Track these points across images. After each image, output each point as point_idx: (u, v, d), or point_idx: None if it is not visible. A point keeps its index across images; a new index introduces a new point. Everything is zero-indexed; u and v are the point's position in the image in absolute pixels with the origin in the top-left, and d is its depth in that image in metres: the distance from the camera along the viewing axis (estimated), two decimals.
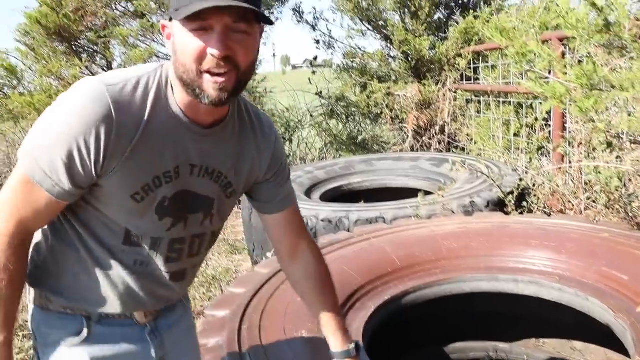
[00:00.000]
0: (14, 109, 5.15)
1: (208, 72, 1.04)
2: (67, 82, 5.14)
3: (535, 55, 1.73)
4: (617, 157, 2.51)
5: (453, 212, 2.95)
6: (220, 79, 1.05)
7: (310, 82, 6.28)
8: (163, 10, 5.83)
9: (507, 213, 2.89)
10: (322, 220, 3.02)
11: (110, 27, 5.94)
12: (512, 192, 2.93)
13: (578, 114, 1.63)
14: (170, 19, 1.10)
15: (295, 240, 1.41)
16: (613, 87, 1.44)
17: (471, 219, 2.56)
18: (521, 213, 2.89)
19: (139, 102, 1.10)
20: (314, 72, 6.20)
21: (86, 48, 6.26)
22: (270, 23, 1.13)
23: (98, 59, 6.48)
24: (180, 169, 1.16)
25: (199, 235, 1.27)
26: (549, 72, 2.38)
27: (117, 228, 1.18)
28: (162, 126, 1.12)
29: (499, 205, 3.04)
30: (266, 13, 6.03)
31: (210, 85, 1.05)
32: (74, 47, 6.04)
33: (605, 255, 2.05)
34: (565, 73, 1.88)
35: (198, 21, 1.03)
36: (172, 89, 1.14)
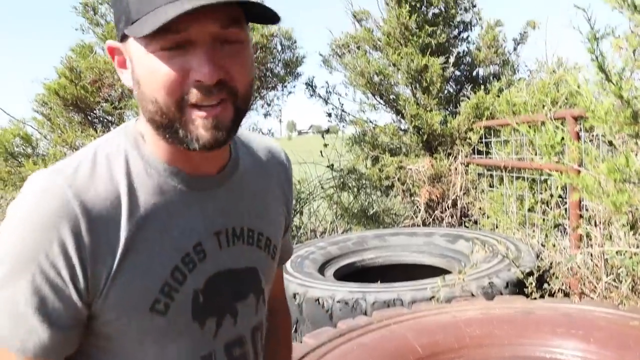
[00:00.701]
0: (26, 178, 5.17)
1: (194, 105, 0.77)
2: None
3: (561, 143, 1.74)
4: None
5: (472, 293, 2.88)
6: (213, 112, 0.78)
7: (322, 155, 6.33)
8: None
9: (527, 294, 2.83)
10: (338, 302, 2.96)
11: (126, 99, 6.08)
12: (531, 273, 2.88)
13: (612, 209, 1.61)
14: (123, 38, 0.80)
15: (274, 295, 1.16)
16: None
17: (493, 303, 2.50)
18: (542, 295, 2.83)
19: (105, 178, 0.80)
20: (325, 145, 6.26)
21: (101, 119, 6.38)
22: (278, 20, 0.82)
23: (112, 129, 6.60)
24: (204, 245, 0.86)
25: (259, 327, 0.97)
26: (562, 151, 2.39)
27: None
28: (153, 197, 0.82)
29: (518, 286, 2.98)
30: (279, 88, 6.18)
31: (200, 124, 0.78)
32: (89, 117, 6.16)
33: (638, 346, 1.97)
34: (580, 154, 1.89)
35: (170, 35, 0.74)
36: (151, 142, 0.86)
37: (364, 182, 6.21)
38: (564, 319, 2.23)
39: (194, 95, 0.77)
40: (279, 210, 1.04)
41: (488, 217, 5.00)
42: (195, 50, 0.75)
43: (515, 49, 6.19)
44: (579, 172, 1.96)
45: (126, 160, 0.83)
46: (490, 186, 5.13)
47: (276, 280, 1.12)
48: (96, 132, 5.82)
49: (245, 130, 1.07)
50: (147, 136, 0.86)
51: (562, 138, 1.71)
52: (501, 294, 2.93)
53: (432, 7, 5.60)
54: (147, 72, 0.77)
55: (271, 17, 0.81)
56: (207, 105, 0.77)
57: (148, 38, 0.74)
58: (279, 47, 5.81)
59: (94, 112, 6.11)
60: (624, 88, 1.39)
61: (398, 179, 5.77)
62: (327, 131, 6.35)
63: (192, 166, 0.86)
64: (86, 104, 5.69)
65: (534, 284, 2.75)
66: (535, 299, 2.75)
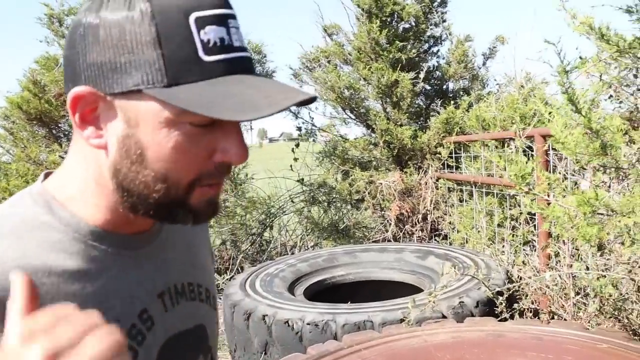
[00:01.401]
0: None
1: (201, 184, 0.71)
2: (44, 167, 5.09)
3: (532, 174, 1.73)
4: (608, 259, 2.49)
5: (443, 314, 2.86)
6: (218, 189, 0.74)
7: (292, 169, 6.29)
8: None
9: (497, 314, 2.82)
10: (308, 324, 2.91)
11: None
12: (501, 293, 2.87)
13: (582, 241, 1.61)
14: (127, 92, 0.66)
15: None
16: (613, 211, 1.43)
17: (464, 326, 2.48)
18: (512, 315, 2.82)
19: (15, 256, 0.67)
20: (295, 159, 6.22)
21: (66, 133, 6.24)
22: (312, 102, 0.75)
23: None
24: (150, 311, 0.78)
25: None
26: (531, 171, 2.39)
27: None
28: (82, 267, 0.72)
29: (488, 305, 2.97)
30: None
31: (204, 200, 0.72)
32: (54, 131, 6.02)
33: None
34: (548, 178, 1.88)
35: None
36: (74, 203, 0.74)
37: (334, 196, 6.18)
38: (534, 342, 2.22)
39: (212, 175, 0.71)
40: (208, 256, 0.98)
41: (458, 232, 5.02)
42: (225, 131, 0.69)
43: (484, 64, 6.25)
44: (548, 202, 1.97)
45: (38, 227, 0.71)
46: (460, 201, 5.15)
47: None
48: (61, 146, 5.69)
49: None
50: (71, 199, 0.75)
51: (533, 169, 1.71)
52: (472, 313, 2.92)
53: (403, 22, 5.62)
54: (167, 147, 0.67)
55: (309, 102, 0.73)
56: (212, 183, 0.72)
57: (181, 110, 0.64)
58: None
59: (59, 126, 5.96)
60: (593, 119, 1.38)
61: (369, 193, 5.76)
62: (297, 145, 6.31)
63: (126, 226, 0.77)
64: (50, 118, 5.55)
65: (503, 304, 2.74)
66: (505, 319, 2.75)
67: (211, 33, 0.65)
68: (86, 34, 0.67)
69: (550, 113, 1.60)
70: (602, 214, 1.47)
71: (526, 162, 1.94)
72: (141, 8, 0.65)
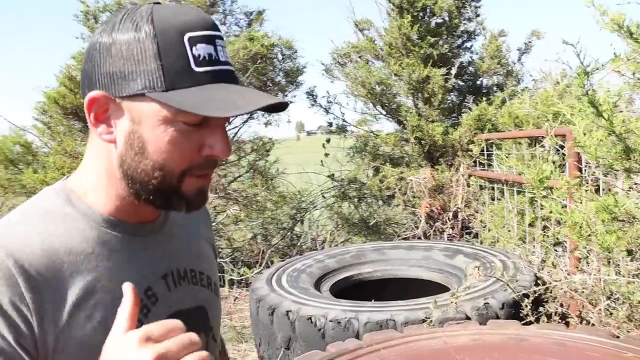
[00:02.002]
0: (27, 185, 5.20)
1: (192, 174, 0.84)
2: (79, 160, 5.18)
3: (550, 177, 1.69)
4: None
5: (467, 315, 2.83)
6: (206, 180, 0.87)
7: (323, 164, 6.29)
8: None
9: (522, 317, 2.77)
10: (331, 321, 2.92)
11: None
12: (527, 296, 2.82)
13: (599, 250, 1.57)
14: (133, 95, 0.80)
15: None
16: (635, 217, 1.38)
17: (486, 328, 2.45)
18: (538, 319, 2.77)
19: (41, 237, 0.80)
20: (326, 155, 6.23)
21: None
22: (284, 109, 0.92)
23: None
24: (154, 289, 0.90)
25: None
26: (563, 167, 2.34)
27: None
28: (96, 249, 0.85)
29: (514, 307, 2.92)
30: (280, 97, 6.14)
31: (194, 190, 0.85)
32: (88, 126, 6.13)
33: None
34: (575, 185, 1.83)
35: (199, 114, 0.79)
36: (89, 196, 0.88)
37: (364, 192, 6.17)
38: (557, 347, 2.17)
39: (201, 166, 0.84)
40: (209, 250, 1.10)
41: (489, 231, 4.95)
42: (211, 129, 0.83)
43: (519, 59, 6.13)
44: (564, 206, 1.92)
45: (61, 216, 0.85)
46: (492, 199, 5.07)
47: None
48: None
49: None
50: (87, 191, 0.89)
51: (552, 172, 1.67)
52: (497, 315, 2.88)
53: (435, 16, 5.55)
54: (166, 141, 0.81)
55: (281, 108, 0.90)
56: (202, 174, 0.86)
57: (176, 110, 0.79)
58: (280, 57, 5.79)
59: None
60: (616, 122, 1.34)
61: (399, 189, 5.72)
62: (328, 141, 6.31)
63: (135, 216, 0.91)
64: None
65: (529, 307, 2.70)
66: (530, 322, 2.70)
67: (201, 49, 0.80)
68: (101, 50, 0.82)
69: (572, 114, 1.56)
70: (622, 221, 1.42)
71: (554, 163, 1.90)
72: (146, 30, 0.80)
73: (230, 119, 0.84)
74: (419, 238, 5.58)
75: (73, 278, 0.81)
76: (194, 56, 0.79)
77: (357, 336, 2.79)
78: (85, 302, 0.81)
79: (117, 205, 0.88)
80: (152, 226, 0.94)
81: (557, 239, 3.67)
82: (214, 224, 5.75)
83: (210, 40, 0.81)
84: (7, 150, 5.17)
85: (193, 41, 0.80)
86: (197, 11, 0.85)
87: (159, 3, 0.85)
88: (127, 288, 0.74)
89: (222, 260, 5.52)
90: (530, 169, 1.73)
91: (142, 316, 0.86)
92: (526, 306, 2.76)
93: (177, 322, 0.72)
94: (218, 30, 0.85)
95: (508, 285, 2.71)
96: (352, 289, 4.11)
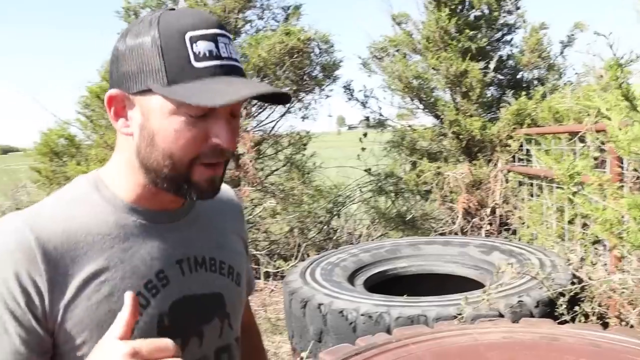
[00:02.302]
0: (71, 177, 5.36)
1: (201, 163, 0.89)
2: None
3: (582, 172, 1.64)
4: None
5: (500, 312, 2.80)
6: (216, 170, 0.92)
7: (359, 158, 6.28)
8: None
9: (558, 317, 2.72)
10: (362, 315, 2.92)
11: None
12: (563, 294, 2.76)
13: (631, 248, 1.52)
14: (144, 91, 0.88)
15: (245, 322, 1.24)
16: None
17: (518, 326, 2.41)
18: (573, 318, 2.71)
19: (64, 217, 0.89)
20: (363, 149, 6.21)
21: None
22: (288, 101, 1.01)
23: None
24: (167, 272, 0.95)
25: (224, 349, 1.03)
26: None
27: None
28: (113, 232, 0.92)
29: (549, 306, 2.87)
30: (317, 91, 6.16)
31: (204, 178, 0.90)
32: None
33: None
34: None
35: (201, 106, 0.84)
36: (115, 184, 0.96)
37: (401, 186, 6.13)
38: (591, 348, 2.13)
39: (207, 155, 0.89)
40: (237, 242, 1.14)
41: (527, 227, 4.86)
42: (216, 120, 0.88)
43: (562, 52, 5.97)
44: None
45: (87, 202, 0.93)
46: (531, 195, 4.97)
47: (248, 309, 1.27)
48: None
49: None
50: (113, 180, 0.97)
51: (584, 167, 1.62)
52: (531, 314, 2.83)
53: (474, 9, 5.46)
54: (171, 131, 0.87)
55: (286, 100, 0.98)
56: (212, 163, 0.90)
57: (178, 102, 0.85)
58: (317, 51, 5.80)
59: None
60: None
61: (436, 184, 5.67)
62: (365, 135, 6.29)
63: (155, 204, 0.97)
64: None
65: (564, 306, 2.64)
66: (565, 321, 2.65)
67: (201, 46, 0.86)
68: (118, 54, 0.91)
69: (608, 109, 1.52)
70: None
71: (595, 159, 1.85)
72: (152, 34, 0.87)
73: (245, 110, 0.89)
74: (456, 234, 5.52)
75: (87, 256, 0.88)
76: (194, 53, 0.86)
77: (388, 331, 2.79)
78: (95, 278, 0.88)
79: (137, 193, 0.95)
80: (173, 214, 1.00)
81: (597, 237, 3.58)
82: (250, 216, 5.82)
83: (211, 37, 0.87)
84: (53, 143, 5.34)
85: (194, 39, 0.86)
86: (201, 13, 0.91)
87: (173, 9, 0.92)
88: (128, 297, 0.78)
89: (258, 252, 5.58)
90: (560, 164, 1.69)
91: (150, 296, 0.93)
92: (561, 305, 2.71)
93: (168, 343, 0.76)
94: (222, 29, 0.90)
95: (543, 283, 2.66)
96: (386, 284, 4.10)
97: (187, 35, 0.86)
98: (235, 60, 0.90)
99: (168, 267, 0.96)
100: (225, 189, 1.17)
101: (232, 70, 0.88)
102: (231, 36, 0.93)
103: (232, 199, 1.19)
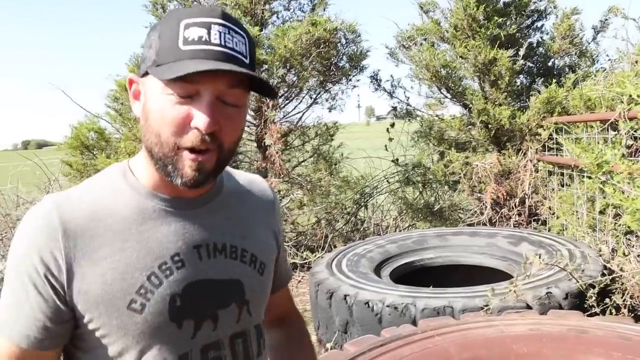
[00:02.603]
0: (101, 170, 5.40)
1: (186, 148, 0.91)
2: None
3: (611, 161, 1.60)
4: None
5: (528, 304, 2.76)
6: (200, 157, 0.91)
7: (387, 149, 6.24)
8: None
9: (587, 309, 2.67)
10: (388, 306, 2.91)
11: None
12: (593, 286, 2.71)
13: None
14: (145, 74, 0.94)
15: (285, 310, 1.33)
16: None
17: (545, 318, 2.38)
18: (603, 311, 2.66)
19: (90, 199, 0.96)
20: (390, 139, 6.17)
21: None
22: (275, 96, 1.04)
23: None
24: (183, 256, 0.97)
25: (240, 335, 1.04)
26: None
27: None
28: (133, 215, 0.96)
29: (579, 298, 2.82)
30: (344, 82, 6.13)
31: (187, 164, 0.91)
32: None
33: None
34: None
35: (185, 84, 0.88)
36: (138, 171, 1.01)
37: (429, 177, 6.08)
38: (621, 341, 2.08)
39: (189, 138, 0.90)
40: (267, 235, 1.15)
41: (557, 218, 4.77)
42: (200, 102, 0.89)
43: (594, 38, 5.82)
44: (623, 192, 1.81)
45: (113, 187, 0.99)
46: (561, 185, 4.88)
47: (287, 299, 1.33)
48: None
49: (244, 172, 1.23)
50: (137, 168, 1.01)
51: (613, 156, 1.58)
52: (560, 306, 2.78)
53: None
54: (158, 110, 0.91)
55: (268, 92, 0.99)
56: (197, 150, 0.91)
57: (166, 82, 0.88)
58: (343, 41, 5.76)
59: None
60: None
61: (464, 174, 5.60)
62: (393, 125, 6.25)
63: (173, 191, 1.00)
64: None
65: (594, 298, 2.59)
66: (595, 314, 2.60)
67: (192, 32, 0.89)
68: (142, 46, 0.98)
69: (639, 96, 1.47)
70: None
71: (629, 147, 1.80)
72: (158, 26, 0.94)
73: (271, 102, 0.96)
74: (485, 224, 5.45)
75: (106, 236, 0.93)
76: (184, 37, 0.89)
77: (414, 322, 2.78)
78: (111, 257, 0.92)
79: (155, 178, 0.99)
80: (193, 202, 1.02)
81: (629, 227, 3.49)
82: None
83: (204, 25, 0.90)
84: (83, 137, 5.44)
85: (187, 26, 0.90)
86: (207, 7, 0.95)
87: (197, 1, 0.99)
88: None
89: (285, 244, 5.60)
90: (588, 153, 1.65)
91: (164, 277, 0.95)
92: (591, 297, 2.66)
93: None
94: (225, 19, 0.93)
95: (571, 274, 2.61)
96: (413, 275, 4.07)
97: (183, 22, 0.90)
98: (232, 49, 0.91)
99: (185, 251, 0.98)
100: (259, 181, 1.20)
101: (223, 56, 0.90)
102: (238, 28, 0.94)
103: (265, 191, 1.20)
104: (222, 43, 0.90)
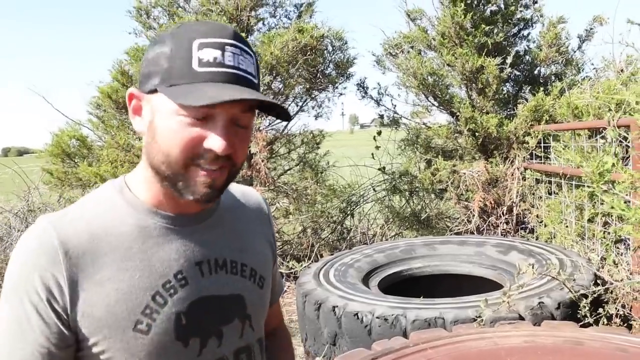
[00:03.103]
0: (82, 178, 5.33)
1: (198, 165, 0.91)
2: (133, 154, 5.29)
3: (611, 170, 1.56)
4: None
5: (520, 315, 2.71)
6: (213, 175, 0.92)
7: (374, 157, 6.19)
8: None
9: (580, 319, 2.63)
10: (378, 318, 2.85)
11: None
12: (586, 295, 2.67)
13: None
14: (152, 91, 0.93)
15: (276, 325, 1.34)
16: None
17: (540, 329, 2.33)
18: (597, 321, 2.62)
19: (88, 219, 0.94)
20: (377, 147, 6.12)
21: None
22: (289, 119, 1.05)
23: None
24: (186, 273, 0.97)
25: (244, 350, 1.05)
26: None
27: None
28: (134, 233, 0.95)
29: (571, 308, 2.78)
30: (330, 89, 6.08)
31: (201, 180, 0.92)
32: None
33: None
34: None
35: (200, 108, 0.88)
36: (136, 188, 1.00)
37: (416, 185, 6.04)
38: (618, 353, 2.04)
39: (202, 159, 0.91)
40: (264, 246, 1.16)
41: (545, 226, 4.75)
42: (214, 125, 0.90)
43: (580, 47, 5.84)
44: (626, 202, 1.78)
45: (110, 204, 0.98)
46: (549, 193, 4.87)
47: (279, 313, 1.35)
48: None
49: (236, 184, 1.22)
50: (135, 184, 1.01)
51: (613, 165, 1.54)
52: (552, 316, 2.74)
53: (490, 4, 5.35)
54: (169, 130, 0.90)
55: (286, 117, 0.99)
56: (210, 168, 0.92)
57: (180, 104, 0.88)
58: (330, 48, 5.72)
59: None
60: None
61: (451, 183, 5.57)
62: (379, 133, 6.21)
63: (174, 208, 1.00)
64: None
65: (587, 308, 2.55)
66: (588, 324, 2.56)
67: (207, 53, 0.90)
68: (143, 59, 0.97)
69: (638, 102, 1.43)
70: None
71: (617, 155, 1.76)
72: (167, 42, 0.93)
73: (260, 119, 0.94)
74: (472, 233, 5.42)
75: (107, 256, 0.92)
76: (198, 58, 0.90)
77: (405, 334, 2.72)
78: (114, 277, 0.91)
79: (157, 196, 0.99)
80: (193, 218, 1.02)
81: (619, 236, 3.47)
82: None
83: (218, 46, 0.91)
84: (64, 145, 5.33)
85: (201, 46, 0.90)
86: (217, 24, 0.95)
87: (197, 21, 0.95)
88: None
89: None
90: (589, 162, 1.60)
91: (168, 295, 0.95)
92: (584, 307, 2.62)
93: None
94: (237, 40, 0.93)
95: (564, 284, 2.57)
96: (401, 285, 4.02)
97: (196, 42, 0.90)
98: (244, 71, 0.93)
99: (187, 269, 0.98)
100: (252, 193, 1.22)
101: (236, 79, 0.91)
102: (248, 49, 0.95)
103: (260, 204, 1.21)
104: (236, 65, 0.91)
